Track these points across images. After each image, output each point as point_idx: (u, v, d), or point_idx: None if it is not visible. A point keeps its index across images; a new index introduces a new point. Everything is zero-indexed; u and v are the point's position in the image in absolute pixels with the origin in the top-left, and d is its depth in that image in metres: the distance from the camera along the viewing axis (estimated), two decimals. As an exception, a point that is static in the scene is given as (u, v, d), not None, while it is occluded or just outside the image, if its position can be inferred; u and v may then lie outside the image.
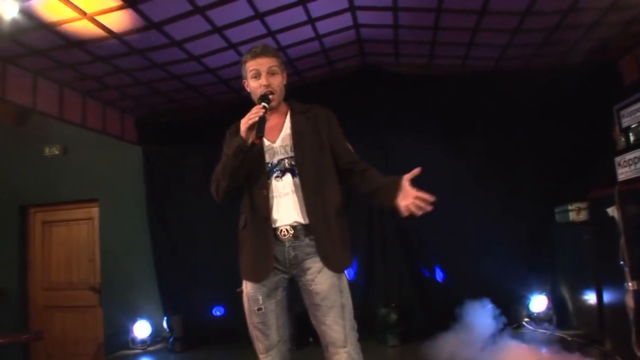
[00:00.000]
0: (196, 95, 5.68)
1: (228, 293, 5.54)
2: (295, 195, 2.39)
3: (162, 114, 5.99)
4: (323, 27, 4.65)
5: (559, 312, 5.02)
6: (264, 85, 2.40)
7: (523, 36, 4.69)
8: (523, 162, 5.29)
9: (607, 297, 4.18)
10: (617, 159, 3.86)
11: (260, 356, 2.45)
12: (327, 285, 2.34)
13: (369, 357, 2.55)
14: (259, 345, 2.44)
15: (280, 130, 2.48)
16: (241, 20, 4.22)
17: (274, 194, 2.39)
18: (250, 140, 2.27)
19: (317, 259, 2.35)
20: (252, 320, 2.45)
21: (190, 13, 3.94)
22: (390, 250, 5.51)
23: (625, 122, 3.85)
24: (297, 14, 4.29)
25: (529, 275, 5.18)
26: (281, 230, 2.37)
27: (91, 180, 6.42)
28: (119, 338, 5.90)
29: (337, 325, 2.34)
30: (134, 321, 5.79)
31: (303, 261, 2.38)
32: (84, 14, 3.65)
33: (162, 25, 4.04)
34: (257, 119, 2.23)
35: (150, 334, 5.79)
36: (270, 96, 2.37)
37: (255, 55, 2.43)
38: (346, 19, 4.62)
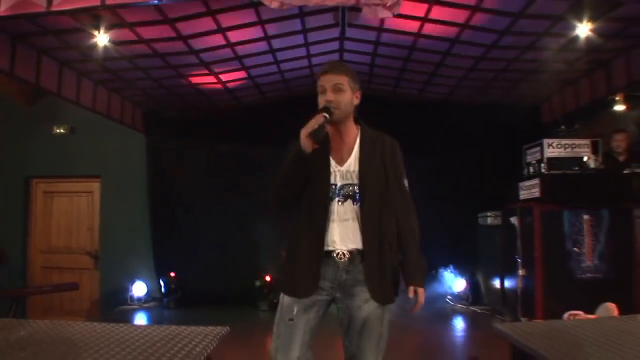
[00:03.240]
0: (203, 99, 7.24)
1: (217, 259, 7.33)
2: (354, 222, 2.49)
3: (169, 110, 7.50)
4: (316, 60, 6.42)
5: (474, 292, 7.13)
6: (326, 101, 2.44)
7: (468, 82, 6.62)
8: (459, 177, 7.29)
9: (507, 282, 6.19)
10: (520, 184, 5.82)
11: None
12: (372, 315, 2.45)
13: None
14: (277, 357, 2.48)
15: (349, 154, 2.55)
16: (257, 53, 5.88)
17: (334, 216, 2.48)
18: (308, 148, 2.35)
19: (366, 288, 2.46)
20: (279, 329, 2.51)
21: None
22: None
23: (528, 159, 5.81)
24: (299, 50, 6.08)
25: (454, 263, 7.24)
26: (338, 253, 2.46)
27: (95, 159, 7.82)
28: (116, 297, 7.44)
29: (371, 353, 2.46)
30: (132, 281, 7.37)
31: (352, 287, 2.47)
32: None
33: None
34: (316, 126, 2.33)
35: (146, 293, 7.38)
36: (332, 109, 2.42)
37: (324, 72, 2.51)
38: (334, 56, 6.39)
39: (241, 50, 5.86)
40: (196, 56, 5.78)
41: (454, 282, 7.19)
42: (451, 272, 7.25)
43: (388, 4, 3.59)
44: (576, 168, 5.53)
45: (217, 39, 5.48)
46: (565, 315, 4.99)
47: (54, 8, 3.80)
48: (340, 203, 2.48)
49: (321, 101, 2.46)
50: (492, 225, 6.74)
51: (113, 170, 7.82)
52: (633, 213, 5.48)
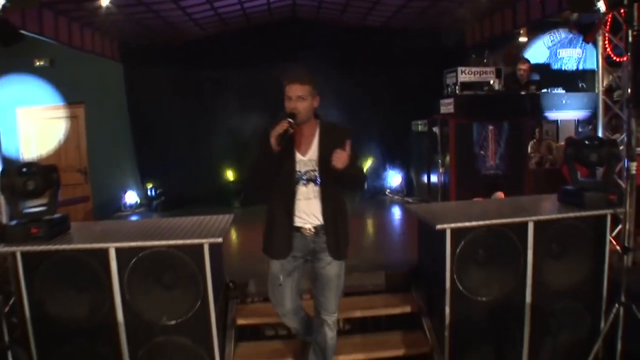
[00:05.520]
0: (170, 29, 8.30)
1: (193, 167, 8.87)
2: (316, 200, 3.18)
3: (141, 39, 8.54)
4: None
5: (407, 186, 9.04)
6: (292, 108, 3.07)
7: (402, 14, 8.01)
8: (399, 92, 8.89)
9: (432, 177, 8.00)
10: (441, 101, 7.44)
11: (280, 317, 3.46)
12: (333, 273, 3.27)
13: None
14: (277, 310, 3.42)
15: (310, 146, 3.21)
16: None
17: (300, 196, 3.18)
18: (277, 148, 2.96)
19: (328, 252, 3.23)
20: (272, 291, 3.37)
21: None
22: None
23: (447, 81, 7.39)
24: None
25: (392, 162, 9.05)
26: (305, 228, 3.21)
27: (77, 87, 8.86)
28: (108, 206, 8.86)
29: (333, 299, 3.32)
30: (125, 191, 8.78)
31: (318, 252, 3.25)
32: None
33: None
34: (282, 131, 2.95)
35: (136, 201, 8.85)
36: (296, 115, 3.05)
37: (290, 81, 3.11)
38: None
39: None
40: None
41: (392, 178, 9.06)
42: (389, 169, 9.11)
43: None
44: (486, 88, 7.19)
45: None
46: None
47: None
48: (304, 185, 3.20)
49: (288, 106, 3.12)
50: (421, 131, 8.44)
51: (95, 96, 8.91)
52: (526, 125, 7.31)
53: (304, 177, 3.19)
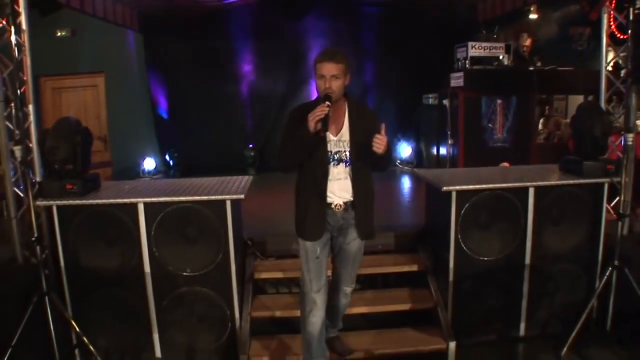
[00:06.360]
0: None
1: (210, 135, 9.09)
2: (346, 180, 3.18)
3: (161, 10, 8.68)
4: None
5: (417, 157, 9.22)
6: (326, 88, 2.99)
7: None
8: (411, 66, 8.99)
9: (441, 149, 8.18)
10: (451, 75, 7.57)
11: (313, 294, 3.28)
12: (356, 249, 3.37)
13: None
14: (313, 286, 3.27)
15: (340, 127, 3.17)
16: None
17: (330, 176, 3.15)
18: (314, 131, 2.90)
19: (355, 229, 3.29)
20: (309, 265, 3.28)
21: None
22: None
23: (458, 55, 7.50)
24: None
25: (403, 135, 9.23)
26: (336, 204, 3.19)
27: (97, 56, 9.01)
28: (127, 172, 9.10)
29: (352, 272, 3.49)
30: (143, 158, 9.03)
31: (346, 228, 3.29)
32: None
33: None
34: (322, 116, 2.87)
35: (155, 167, 9.11)
36: (331, 95, 2.96)
37: (323, 59, 3.03)
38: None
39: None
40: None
41: (402, 149, 9.25)
42: (400, 141, 9.29)
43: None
44: (495, 63, 7.31)
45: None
46: (478, 172, 7.01)
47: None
48: (335, 166, 3.17)
49: (320, 85, 3.04)
50: (432, 104, 8.58)
51: (115, 66, 9.07)
52: (533, 100, 7.43)
53: (334, 158, 3.17)
